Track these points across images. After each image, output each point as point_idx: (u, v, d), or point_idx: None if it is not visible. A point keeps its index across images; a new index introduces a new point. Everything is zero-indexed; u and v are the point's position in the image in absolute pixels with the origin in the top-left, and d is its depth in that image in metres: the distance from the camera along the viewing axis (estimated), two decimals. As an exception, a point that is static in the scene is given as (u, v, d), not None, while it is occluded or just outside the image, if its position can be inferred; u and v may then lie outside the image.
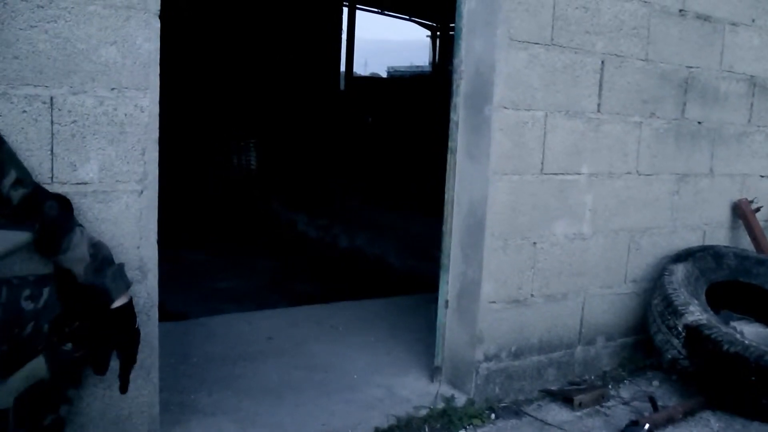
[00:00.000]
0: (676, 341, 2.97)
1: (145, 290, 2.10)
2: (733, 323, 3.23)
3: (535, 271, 2.95)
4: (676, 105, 3.34)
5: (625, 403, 3.01)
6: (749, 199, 3.70)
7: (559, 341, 3.10)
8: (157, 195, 2.11)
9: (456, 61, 2.85)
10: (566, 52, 2.90)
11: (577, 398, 2.91)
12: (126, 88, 2.00)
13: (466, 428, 2.68)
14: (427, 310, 3.53)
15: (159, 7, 2.03)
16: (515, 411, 2.87)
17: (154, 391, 2.18)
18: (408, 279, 5.12)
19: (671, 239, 3.44)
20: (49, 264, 1.76)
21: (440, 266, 2.96)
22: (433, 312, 3.05)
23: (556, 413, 2.88)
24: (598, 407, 2.95)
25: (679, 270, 3.19)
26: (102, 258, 1.78)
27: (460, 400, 2.82)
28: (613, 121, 3.12)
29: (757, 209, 3.71)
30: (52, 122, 1.89)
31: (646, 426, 2.64)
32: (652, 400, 2.86)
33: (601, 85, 3.05)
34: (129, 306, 1.83)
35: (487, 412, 2.80)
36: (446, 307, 2.94)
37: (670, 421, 2.81)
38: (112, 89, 1.98)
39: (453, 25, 2.97)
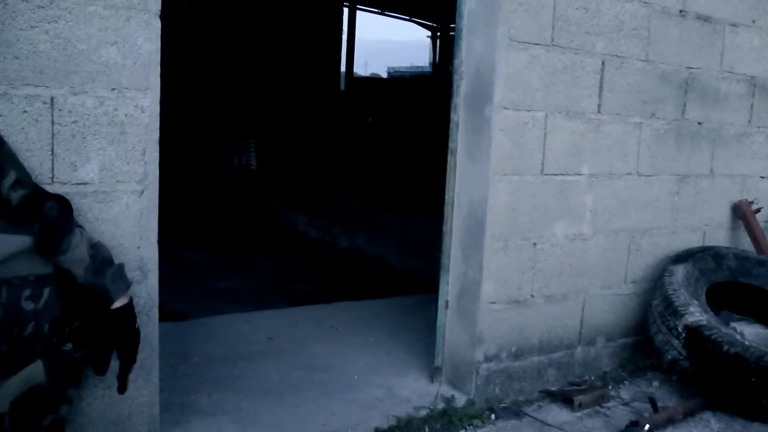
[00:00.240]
0: (676, 342, 2.97)
1: (145, 290, 2.10)
2: (733, 324, 3.23)
3: (535, 272, 2.95)
4: (676, 106, 3.34)
5: (625, 404, 3.01)
6: (749, 199, 3.70)
7: (559, 342, 3.10)
8: (157, 195, 2.11)
9: (456, 62, 2.85)
10: (566, 53, 2.91)
11: (577, 399, 2.91)
12: (126, 88, 2.00)
13: (466, 428, 2.68)
14: (427, 310, 3.53)
15: (159, 8, 2.03)
16: (515, 411, 2.87)
17: (154, 391, 2.18)
18: (408, 279, 5.12)
19: (671, 240, 3.44)
20: (50, 264, 1.76)
21: (440, 266, 2.96)
22: (433, 312, 3.05)
23: (556, 414, 2.88)
24: (598, 408, 2.95)
25: (680, 271, 3.19)
26: (102, 259, 1.78)
27: (460, 400, 2.82)
28: (614, 121, 3.12)
29: (758, 210, 3.71)
30: (52, 122, 1.89)
31: (646, 426, 2.65)
32: (652, 401, 2.86)
33: (601, 86, 3.05)
34: (129, 306, 1.83)
35: (487, 412, 2.80)
36: (446, 307, 2.94)
37: (670, 421, 2.81)
38: (113, 89, 1.98)
39: (453, 25, 2.97)
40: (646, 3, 3.13)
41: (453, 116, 2.87)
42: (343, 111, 12.04)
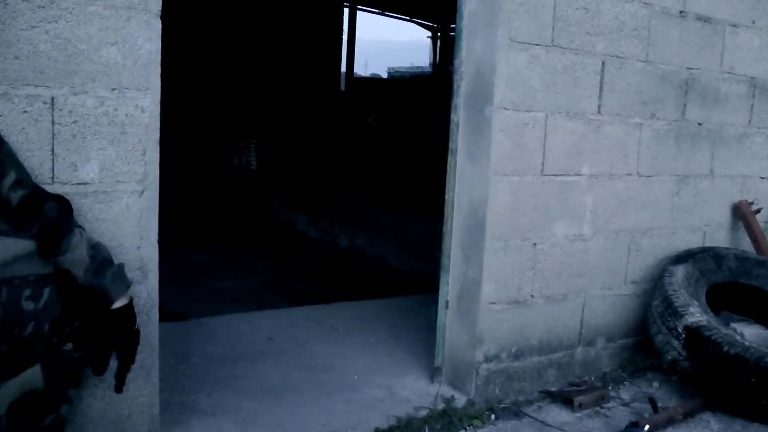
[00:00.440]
0: (676, 342, 2.97)
1: (145, 290, 2.10)
2: (734, 324, 3.23)
3: (535, 272, 2.96)
4: (676, 106, 3.34)
5: (625, 404, 3.01)
6: (749, 200, 3.70)
7: (559, 342, 3.10)
8: (157, 195, 2.11)
9: (456, 62, 2.85)
10: (567, 53, 2.91)
11: (577, 399, 2.91)
12: (127, 88, 2.00)
13: (466, 429, 2.68)
14: (427, 310, 3.53)
15: (160, 8, 2.03)
16: (515, 412, 2.87)
17: (154, 391, 2.18)
18: (408, 279, 5.12)
19: (671, 240, 3.44)
20: (50, 264, 1.76)
21: (440, 267, 2.96)
22: (434, 312, 3.05)
23: (556, 414, 2.88)
24: (598, 408, 2.95)
25: (680, 271, 3.19)
26: (101, 259, 1.78)
27: (460, 400, 2.82)
28: (614, 122, 3.12)
29: (758, 210, 3.71)
30: (52, 122, 1.89)
31: (646, 427, 2.64)
32: (652, 401, 2.86)
33: (601, 87, 3.05)
34: (129, 307, 1.83)
35: (487, 412, 2.80)
36: (446, 307, 2.94)
37: (670, 422, 2.81)
38: (113, 89, 1.98)
39: (454, 26, 2.97)
40: (646, 3, 3.13)
41: (453, 116, 2.87)
42: (343, 111, 12.05)
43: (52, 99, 1.89)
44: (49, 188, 1.84)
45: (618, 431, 2.71)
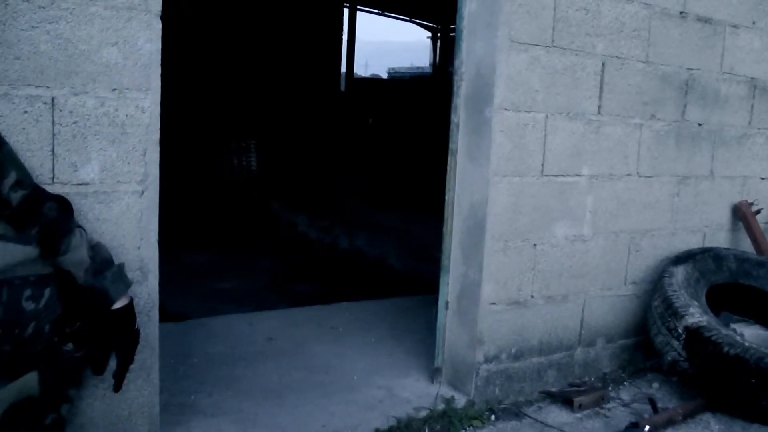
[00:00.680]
0: (676, 343, 2.97)
1: (145, 291, 2.10)
2: (734, 325, 3.23)
3: (535, 273, 2.96)
4: (676, 107, 3.34)
5: (625, 405, 3.01)
6: (749, 201, 3.70)
7: (559, 343, 3.10)
8: (158, 196, 2.11)
9: (457, 63, 2.85)
10: (567, 54, 2.91)
11: (577, 400, 2.91)
12: (127, 89, 2.00)
13: (466, 429, 2.68)
14: (427, 311, 3.53)
15: (160, 8, 2.03)
16: (515, 412, 2.87)
17: (154, 391, 2.18)
18: (408, 280, 5.12)
19: (671, 241, 3.45)
20: (50, 264, 1.76)
21: (440, 267, 2.96)
22: (434, 313, 3.05)
23: (556, 415, 2.88)
24: (598, 409, 2.95)
25: (680, 272, 3.19)
26: (101, 260, 1.78)
27: (460, 401, 2.82)
28: (614, 122, 3.12)
29: (758, 211, 3.71)
30: (53, 123, 1.89)
31: (646, 428, 2.65)
32: (652, 402, 2.86)
33: (601, 87, 3.05)
34: (129, 307, 1.83)
35: (487, 413, 2.80)
36: (446, 308, 2.94)
37: (670, 422, 2.81)
38: (114, 90, 1.98)
39: (454, 26, 2.97)
40: (646, 4, 3.13)
41: (453, 117, 2.87)
42: (343, 112, 12.05)
43: (53, 99, 1.89)
44: (49, 188, 1.84)
45: (618, 432, 2.72)
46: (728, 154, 3.62)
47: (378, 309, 4.02)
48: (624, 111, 3.14)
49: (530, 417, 2.83)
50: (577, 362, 3.18)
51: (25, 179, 1.74)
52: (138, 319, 1.88)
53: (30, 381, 1.68)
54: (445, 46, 15.53)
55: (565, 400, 2.95)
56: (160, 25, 2.04)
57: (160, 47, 2.04)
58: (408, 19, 15.52)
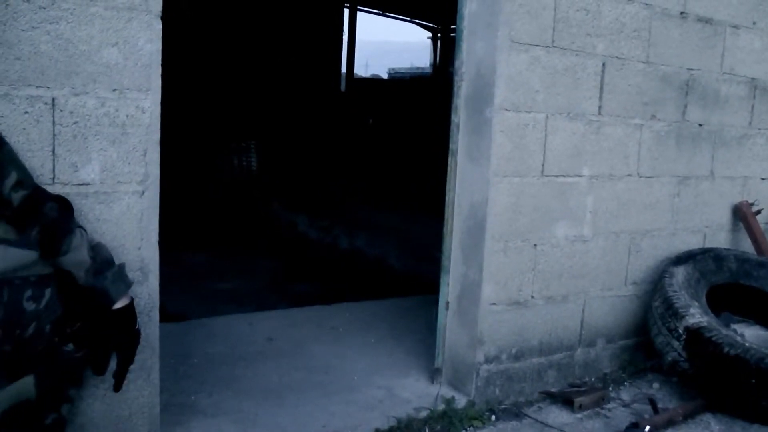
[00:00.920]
0: (676, 343, 2.97)
1: (146, 291, 2.10)
2: (734, 326, 3.23)
3: (535, 273, 2.96)
4: (676, 107, 3.34)
5: (626, 405, 3.01)
6: (750, 201, 3.70)
7: (560, 343, 3.10)
8: (158, 196, 2.11)
9: (457, 63, 2.85)
10: (567, 54, 2.91)
11: (578, 400, 2.91)
12: (127, 89, 2.00)
13: (466, 430, 2.68)
14: (427, 311, 3.53)
15: (161, 9, 2.03)
16: (515, 413, 2.87)
17: (154, 391, 2.18)
18: (408, 280, 5.12)
19: (672, 241, 3.44)
20: (50, 264, 1.76)
21: (441, 268, 2.96)
22: (434, 313, 3.05)
23: (557, 415, 2.88)
24: (598, 409, 2.95)
25: (680, 272, 3.19)
26: (102, 260, 1.78)
27: (461, 401, 2.82)
28: (614, 123, 3.12)
29: (758, 212, 3.71)
30: (53, 123, 1.90)
31: (647, 428, 2.65)
32: (653, 403, 2.86)
33: (602, 88, 3.05)
34: (130, 307, 1.83)
35: (487, 413, 2.80)
36: (447, 308, 2.94)
37: (671, 423, 2.81)
38: (114, 90, 1.98)
39: (454, 26, 2.97)
40: (647, 5, 3.13)
41: (453, 117, 2.87)
42: (343, 112, 12.05)
43: (53, 100, 1.89)
44: (50, 189, 1.84)
45: (618, 432, 2.72)
46: (728, 155, 3.62)
47: (378, 309, 4.02)
48: (624, 111, 3.14)
49: (530, 417, 2.83)
50: (577, 363, 3.18)
51: (25, 180, 1.74)
52: (138, 320, 1.89)
53: (27, 384, 1.68)
54: (446, 46, 15.53)
55: (565, 400, 2.95)
56: (161, 26, 2.04)
57: (160, 48, 2.05)
58: (408, 19, 15.52)
